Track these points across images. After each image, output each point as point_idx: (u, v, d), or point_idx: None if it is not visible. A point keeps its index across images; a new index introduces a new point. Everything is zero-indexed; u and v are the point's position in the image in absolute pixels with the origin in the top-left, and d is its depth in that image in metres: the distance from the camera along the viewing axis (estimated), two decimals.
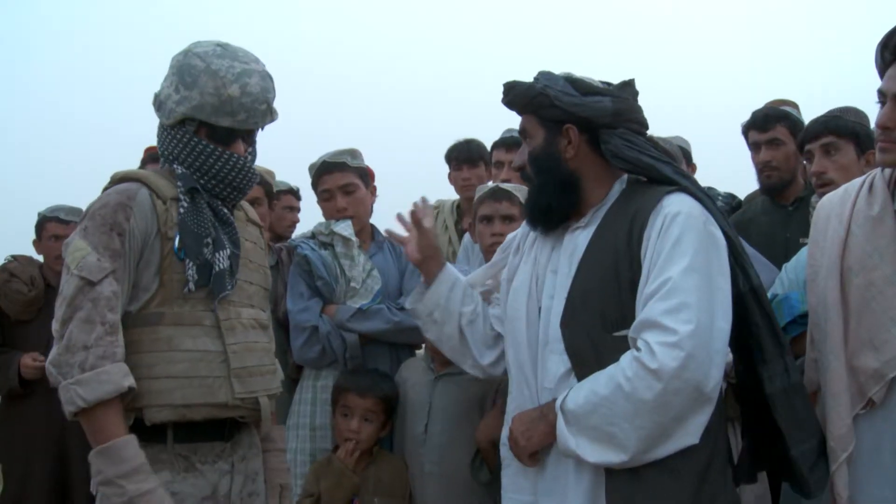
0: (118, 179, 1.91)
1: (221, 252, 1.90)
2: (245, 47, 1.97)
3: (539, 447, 1.83)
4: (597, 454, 1.69)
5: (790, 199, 3.10)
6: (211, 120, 1.88)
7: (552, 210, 1.90)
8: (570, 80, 1.88)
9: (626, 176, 1.91)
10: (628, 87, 1.92)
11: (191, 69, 1.89)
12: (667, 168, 1.84)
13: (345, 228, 2.87)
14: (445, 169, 3.94)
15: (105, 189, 1.91)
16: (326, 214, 2.97)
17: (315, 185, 3.00)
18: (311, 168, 3.03)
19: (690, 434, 1.66)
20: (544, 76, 1.90)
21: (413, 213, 2.17)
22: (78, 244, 1.78)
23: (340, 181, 2.91)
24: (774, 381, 1.78)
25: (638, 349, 1.67)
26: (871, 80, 1.88)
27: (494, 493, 2.32)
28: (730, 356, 1.83)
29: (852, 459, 1.79)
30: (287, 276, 2.95)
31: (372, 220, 3.08)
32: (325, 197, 2.96)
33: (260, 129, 2.01)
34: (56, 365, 1.71)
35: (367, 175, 3.01)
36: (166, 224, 1.84)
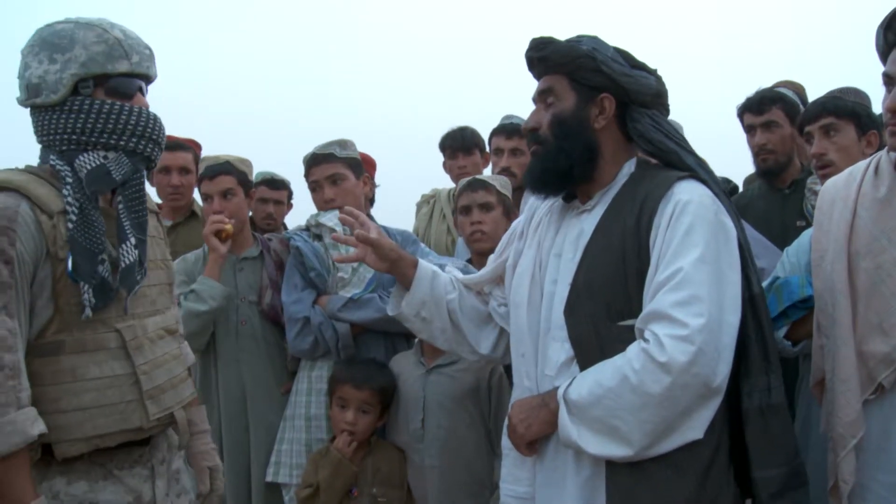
0: None
1: (126, 244, 1.73)
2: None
3: (538, 436, 1.79)
4: (599, 446, 1.66)
5: (787, 183, 3.08)
6: (107, 69, 1.71)
7: (571, 176, 1.81)
8: (619, 51, 1.83)
9: (635, 159, 1.86)
10: (656, 73, 1.88)
11: (58, 34, 1.71)
12: (689, 157, 1.80)
13: (331, 219, 2.85)
14: (441, 158, 3.92)
15: None
16: (316, 205, 2.96)
17: (306, 177, 2.99)
18: (303, 160, 3.01)
19: (695, 429, 1.63)
20: (590, 39, 1.82)
21: (358, 235, 2.06)
22: None
23: (328, 172, 2.89)
24: (752, 397, 1.72)
25: (646, 340, 1.63)
26: (872, 63, 1.86)
27: (495, 485, 2.32)
28: None
29: (861, 446, 1.77)
30: (270, 268, 2.95)
31: (373, 210, 3.06)
32: (313, 188, 2.95)
33: (147, 85, 1.83)
34: None
35: (358, 165, 2.98)
36: (55, 244, 1.64)
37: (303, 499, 2.57)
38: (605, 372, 1.66)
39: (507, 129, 3.48)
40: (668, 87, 1.88)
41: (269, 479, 2.78)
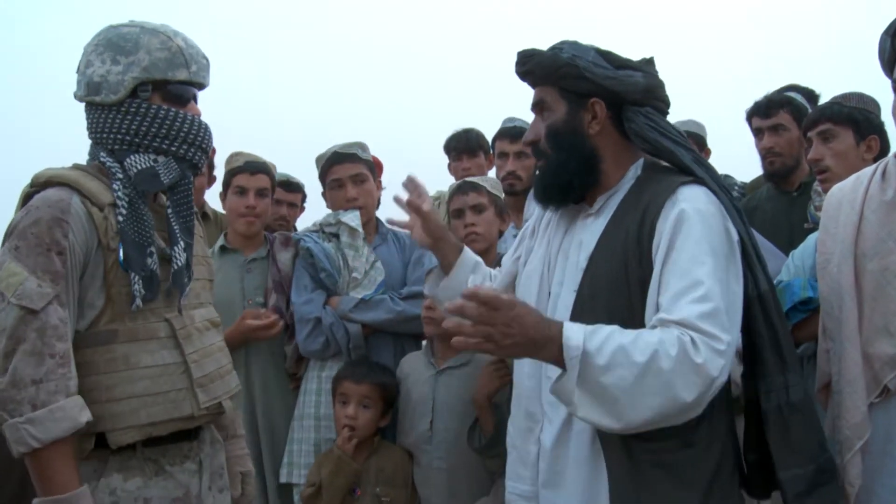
0: (42, 183, 1.72)
1: (177, 248, 1.80)
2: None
3: (513, 356, 1.69)
4: (590, 411, 1.56)
5: (795, 185, 3.10)
6: (167, 75, 1.77)
7: (572, 188, 1.80)
8: (601, 53, 1.80)
9: (641, 160, 1.84)
10: (650, 66, 1.84)
11: (124, 37, 1.77)
12: (687, 155, 1.76)
13: (352, 219, 2.88)
14: (446, 160, 3.92)
15: (26, 193, 1.75)
16: (335, 205, 2.97)
17: (323, 176, 3.01)
18: (319, 159, 3.03)
19: (676, 420, 1.56)
20: (570, 46, 1.80)
21: (409, 202, 2.05)
22: (11, 268, 1.61)
23: (351, 171, 2.93)
24: (770, 398, 1.68)
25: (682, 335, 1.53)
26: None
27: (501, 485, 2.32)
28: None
29: (866, 449, 1.76)
30: (274, 269, 2.96)
31: (379, 213, 3.08)
32: (334, 186, 2.96)
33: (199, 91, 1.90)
34: (0, 402, 1.57)
35: (373, 169, 3.02)
36: (107, 234, 1.70)
37: (306, 498, 2.58)
38: (637, 345, 1.53)
39: (511, 132, 3.48)
40: (659, 80, 1.83)
41: (282, 479, 2.79)
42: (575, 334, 1.55)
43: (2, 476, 2.62)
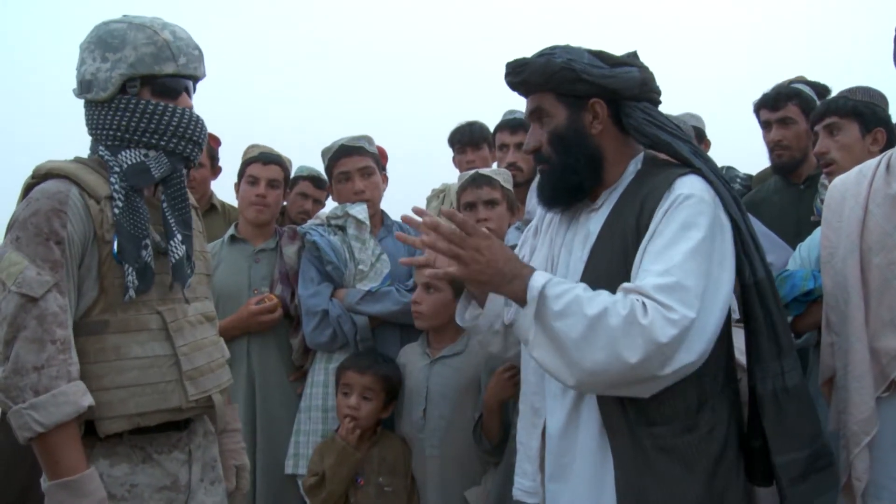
0: (42, 175, 1.76)
1: (174, 240, 1.82)
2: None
3: (479, 285, 1.71)
4: (544, 355, 1.61)
5: (802, 178, 3.09)
6: (154, 69, 1.77)
7: (581, 189, 1.81)
8: (594, 53, 1.80)
9: (641, 154, 1.85)
10: (636, 59, 1.84)
11: (112, 34, 1.79)
12: (684, 147, 1.78)
13: (360, 212, 2.88)
14: (450, 152, 3.92)
15: (27, 185, 1.79)
16: (342, 197, 2.98)
17: (330, 169, 3.01)
18: (325, 152, 3.03)
19: (642, 391, 1.59)
20: (563, 50, 1.80)
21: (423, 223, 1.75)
22: (12, 257, 1.65)
23: (359, 163, 2.93)
24: (766, 383, 1.69)
25: (636, 300, 1.57)
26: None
27: (500, 475, 2.33)
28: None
29: (874, 443, 1.76)
30: (281, 262, 2.98)
31: (383, 204, 3.09)
32: (341, 179, 2.96)
33: (195, 84, 1.90)
34: (3, 389, 1.60)
35: (380, 161, 3.03)
36: (102, 226, 1.73)
37: (309, 487, 2.59)
38: (593, 301, 1.59)
39: (511, 124, 3.47)
40: (651, 72, 1.84)
41: (288, 471, 2.80)
42: (541, 276, 1.64)
43: (10, 465, 2.65)
